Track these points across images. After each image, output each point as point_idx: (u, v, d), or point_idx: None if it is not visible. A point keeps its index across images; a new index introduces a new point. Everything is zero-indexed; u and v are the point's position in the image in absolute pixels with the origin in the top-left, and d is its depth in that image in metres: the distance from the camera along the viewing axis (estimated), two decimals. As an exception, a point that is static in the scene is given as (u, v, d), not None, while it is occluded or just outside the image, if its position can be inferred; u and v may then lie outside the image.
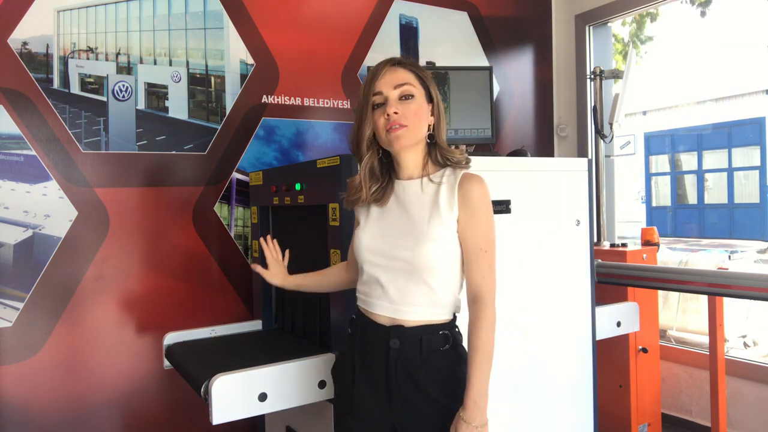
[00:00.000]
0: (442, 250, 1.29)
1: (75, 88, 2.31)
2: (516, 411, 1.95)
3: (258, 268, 1.68)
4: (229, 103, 2.60)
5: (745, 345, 4.19)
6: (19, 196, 2.20)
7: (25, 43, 2.21)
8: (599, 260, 2.65)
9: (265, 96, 2.68)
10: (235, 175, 2.62)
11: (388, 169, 1.39)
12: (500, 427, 1.87)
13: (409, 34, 3.11)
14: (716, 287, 2.22)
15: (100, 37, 2.37)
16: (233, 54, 2.62)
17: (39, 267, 2.22)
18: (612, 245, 2.91)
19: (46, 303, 2.23)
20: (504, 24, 3.44)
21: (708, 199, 9.71)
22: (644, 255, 2.80)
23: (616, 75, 3.06)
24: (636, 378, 2.76)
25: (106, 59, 2.38)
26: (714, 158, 9.53)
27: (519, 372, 1.95)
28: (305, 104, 2.78)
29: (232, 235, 2.61)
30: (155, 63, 2.46)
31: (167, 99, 2.49)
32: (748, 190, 9.18)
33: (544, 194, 2.02)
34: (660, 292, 3.08)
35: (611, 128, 2.95)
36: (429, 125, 1.35)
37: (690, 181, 10.01)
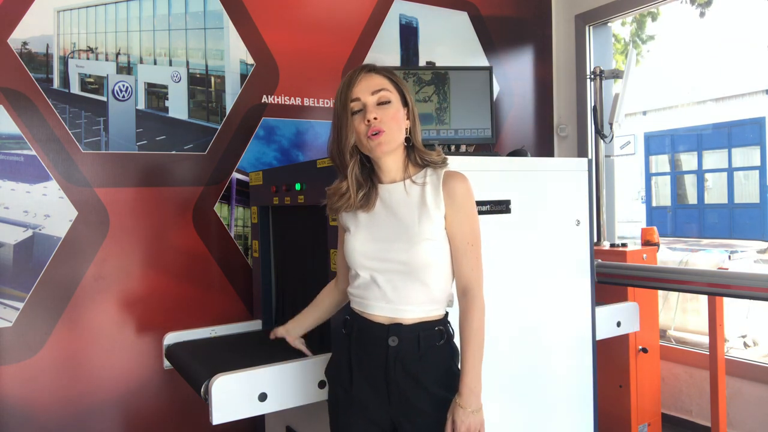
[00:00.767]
0: (435, 248, 1.34)
1: (75, 88, 2.31)
2: (516, 411, 1.95)
3: (275, 332, 1.81)
4: (229, 103, 2.60)
5: (745, 345, 4.19)
6: (19, 196, 2.20)
7: (25, 43, 2.21)
8: (599, 260, 2.65)
9: (265, 96, 2.68)
10: (235, 175, 2.62)
11: (369, 174, 1.41)
12: (500, 426, 1.87)
13: (409, 34, 3.11)
14: (716, 287, 2.22)
15: (100, 37, 2.37)
16: (233, 54, 2.62)
17: (39, 267, 2.22)
18: (612, 245, 2.91)
19: (46, 303, 2.23)
20: (504, 24, 3.44)
21: (708, 199, 9.71)
22: (644, 255, 2.80)
23: (616, 75, 3.06)
24: (636, 378, 2.76)
25: (106, 59, 2.38)
26: (714, 158, 9.54)
27: (519, 372, 1.95)
28: (305, 104, 2.78)
29: (232, 235, 2.61)
30: (155, 63, 2.46)
31: (167, 99, 2.49)
32: (748, 190, 9.18)
33: (544, 194, 2.02)
34: (660, 292, 3.08)
35: (611, 128, 2.95)
36: (406, 128, 1.38)
37: (690, 181, 10.01)
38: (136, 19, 2.43)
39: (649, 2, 3.20)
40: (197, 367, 1.81)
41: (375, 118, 1.31)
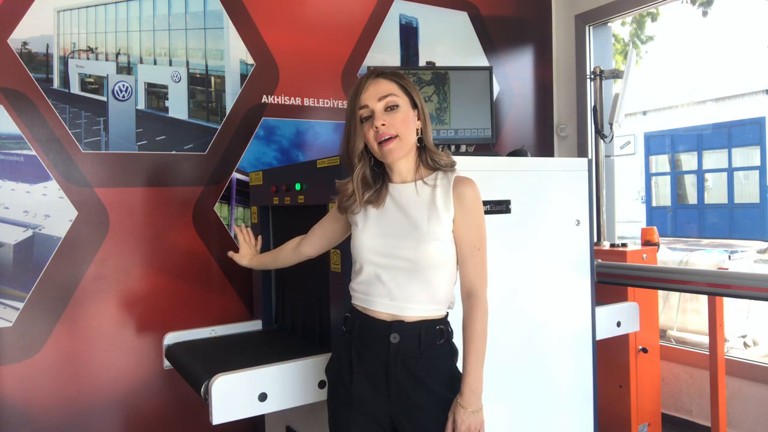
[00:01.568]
0: (442, 249, 1.36)
1: (75, 88, 2.31)
2: (516, 411, 1.95)
3: (230, 253, 1.88)
4: (229, 103, 2.60)
5: (745, 345, 4.19)
6: (19, 196, 2.20)
7: (25, 43, 2.21)
8: (599, 260, 2.65)
9: (265, 96, 2.68)
10: (235, 175, 2.62)
11: (380, 173, 1.44)
12: (501, 426, 1.87)
13: (409, 34, 3.11)
14: (716, 287, 2.22)
15: (100, 37, 2.37)
16: (233, 54, 2.62)
17: (39, 267, 2.22)
18: (612, 245, 2.91)
19: (46, 303, 2.23)
20: (504, 24, 3.44)
21: (708, 199, 9.71)
22: (644, 255, 2.80)
23: (616, 75, 3.06)
24: (636, 378, 2.76)
25: (106, 59, 2.38)
26: (714, 158, 9.53)
27: (519, 372, 1.95)
28: (305, 104, 2.78)
29: (232, 235, 2.61)
30: (155, 63, 2.46)
31: (167, 99, 2.49)
32: (748, 190, 9.18)
33: (544, 194, 2.02)
34: (660, 292, 3.08)
35: (611, 128, 2.95)
36: (417, 129, 1.41)
37: (690, 181, 10.01)
38: (136, 19, 2.43)
39: (649, 2, 3.20)
40: (197, 367, 1.81)
41: (383, 125, 1.34)
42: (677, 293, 3.91)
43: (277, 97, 2.71)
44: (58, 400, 2.25)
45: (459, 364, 1.42)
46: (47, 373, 2.23)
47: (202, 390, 1.62)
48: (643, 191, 10.66)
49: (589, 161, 2.16)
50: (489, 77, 2.43)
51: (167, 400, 2.46)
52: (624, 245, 2.87)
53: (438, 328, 1.38)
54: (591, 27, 3.51)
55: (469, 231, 1.38)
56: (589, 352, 2.13)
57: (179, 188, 2.49)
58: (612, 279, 2.58)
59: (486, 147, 2.73)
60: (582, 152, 3.54)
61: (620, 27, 5.81)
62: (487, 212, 1.87)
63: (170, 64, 2.49)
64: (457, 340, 1.43)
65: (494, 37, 3.40)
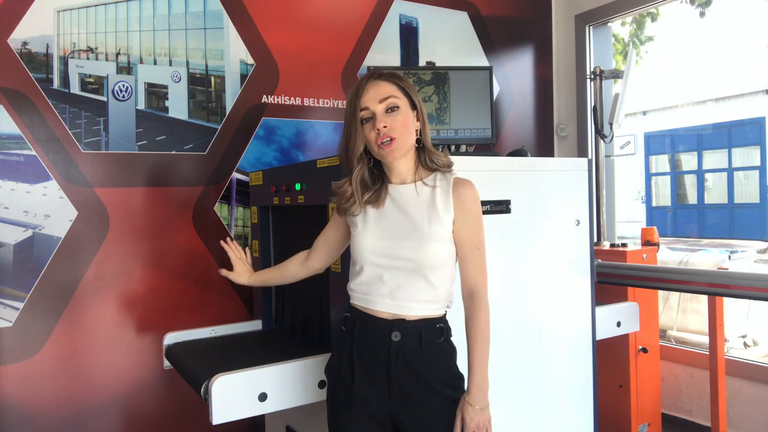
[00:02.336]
0: (443, 249, 1.38)
1: (75, 88, 2.31)
2: (516, 411, 1.95)
3: (223, 272, 1.78)
4: (229, 103, 2.60)
5: (745, 345, 4.19)
6: (19, 196, 2.20)
7: (25, 43, 2.21)
8: (599, 260, 2.65)
9: (265, 96, 2.68)
10: (235, 175, 2.62)
11: (379, 174, 1.45)
12: (501, 427, 1.87)
13: (409, 34, 3.11)
14: (716, 287, 2.22)
15: (100, 37, 2.37)
16: (233, 54, 2.62)
17: (39, 267, 2.22)
18: (612, 245, 2.91)
19: (46, 303, 2.23)
20: (504, 24, 3.44)
21: (708, 199, 9.71)
22: (644, 255, 2.80)
23: (616, 75, 3.06)
24: (636, 378, 2.76)
25: (106, 59, 2.38)
26: (714, 158, 9.54)
27: (519, 372, 1.95)
28: (305, 104, 2.78)
29: (232, 235, 2.61)
30: (155, 63, 2.46)
31: (167, 99, 2.49)
32: (748, 190, 9.18)
33: (544, 194, 2.02)
34: (660, 292, 3.08)
35: (611, 128, 2.95)
36: (416, 130, 1.42)
37: (690, 181, 10.02)
38: (136, 19, 2.43)
39: (649, 2, 3.20)
40: (197, 367, 1.80)
41: (384, 127, 1.35)
42: (677, 293, 3.91)
43: (277, 97, 2.71)
44: (58, 400, 2.25)
45: (458, 362, 1.43)
46: (47, 373, 2.23)
47: (202, 390, 1.62)
48: (643, 191, 10.66)
49: (589, 161, 2.16)
50: (489, 77, 2.43)
51: (167, 400, 2.46)
52: (624, 245, 2.87)
53: (438, 326, 1.39)
54: (591, 27, 3.51)
55: (469, 232, 1.40)
56: (589, 352, 2.13)
57: (179, 188, 2.49)
58: (612, 279, 2.58)
59: (486, 147, 2.73)
60: (582, 152, 3.54)
61: (620, 27, 5.81)
62: (487, 212, 1.87)
63: (170, 64, 2.49)
64: (457, 338, 1.44)
65: (494, 37, 3.40)
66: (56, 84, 2.28)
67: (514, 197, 1.93)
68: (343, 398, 1.42)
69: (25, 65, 2.21)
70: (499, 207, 1.90)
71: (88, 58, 2.34)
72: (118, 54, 2.40)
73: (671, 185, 10.13)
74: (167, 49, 2.49)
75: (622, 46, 5.89)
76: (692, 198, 9.94)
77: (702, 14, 5.50)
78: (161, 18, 2.47)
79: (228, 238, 1.83)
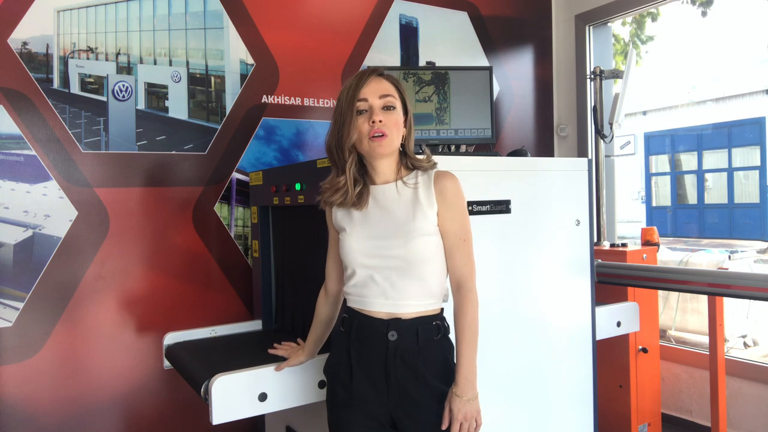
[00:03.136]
0: (430, 243, 1.39)
1: (75, 88, 2.31)
2: (516, 411, 1.95)
3: (282, 366, 1.65)
4: (229, 103, 2.60)
5: (745, 345, 4.19)
6: (19, 196, 2.20)
7: (25, 43, 2.21)
8: (599, 260, 2.65)
9: (265, 96, 2.68)
10: (235, 175, 2.62)
11: (361, 177, 1.45)
12: (501, 426, 1.87)
13: (409, 34, 3.11)
14: (716, 287, 2.22)
15: (100, 37, 2.37)
16: (233, 54, 2.62)
17: (39, 267, 2.22)
18: (612, 245, 2.91)
19: (46, 303, 2.23)
20: (504, 24, 3.44)
21: (708, 199, 9.72)
22: (644, 255, 2.80)
23: (616, 75, 3.05)
24: (636, 378, 2.76)
25: (106, 59, 2.38)
26: (714, 158, 9.54)
27: (519, 372, 1.95)
28: (305, 104, 2.78)
29: (232, 235, 2.61)
30: (155, 63, 2.46)
31: (167, 99, 2.49)
32: (748, 190, 9.19)
33: (544, 194, 2.02)
34: (660, 292, 3.08)
35: (611, 128, 2.95)
36: (402, 135, 1.42)
37: (690, 181, 10.02)
38: (136, 19, 2.43)
39: (649, 2, 3.20)
40: (197, 367, 1.81)
41: (380, 121, 1.36)
42: (677, 293, 3.91)
43: (277, 97, 2.71)
44: (58, 400, 2.25)
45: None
46: (47, 373, 2.23)
47: (202, 390, 1.62)
48: (643, 191, 10.67)
49: (589, 161, 2.16)
50: (489, 77, 2.43)
51: (167, 400, 2.46)
52: (624, 245, 2.87)
53: (435, 323, 1.40)
54: (591, 27, 3.51)
55: (453, 224, 1.40)
56: (589, 352, 2.13)
57: (179, 188, 2.49)
58: (612, 279, 2.58)
59: (486, 147, 2.73)
60: (582, 152, 3.54)
61: (620, 27, 5.81)
62: (487, 212, 1.87)
63: (170, 64, 2.49)
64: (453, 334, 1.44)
65: (494, 37, 3.40)
66: (56, 84, 2.28)
67: (514, 197, 1.93)
68: (343, 398, 1.42)
69: (25, 65, 2.21)
70: (499, 207, 1.90)
71: (88, 58, 2.34)
72: (118, 54, 2.40)
73: (671, 185, 10.13)
74: (167, 49, 2.49)
75: (622, 46, 5.89)
76: (692, 198, 9.94)
77: (704, 14, 5.50)
78: (161, 18, 2.47)
79: (275, 345, 1.75)
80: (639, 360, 2.77)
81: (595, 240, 2.77)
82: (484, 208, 1.85)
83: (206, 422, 1.66)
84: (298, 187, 1.99)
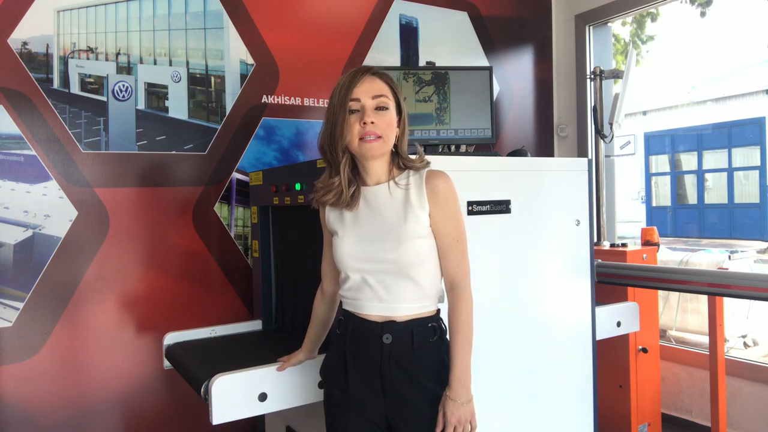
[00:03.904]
0: (423, 245, 1.36)
1: (75, 88, 2.31)
2: (516, 411, 1.95)
3: (284, 366, 1.64)
4: (229, 103, 2.60)
5: (745, 345, 4.20)
6: (19, 196, 2.20)
7: (25, 43, 2.21)
8: (599, 260, 2.65)
9: (265, 96, 2.68)
10: (235, 175, 2.62)
11: (354, 174, 1.43)
12: (501, 426, 1.87)
13: (409, 34, 3.11)
14: (716, 287, 2.22)
15: (100, 37, 2.37)
16: (233, 54, 2.62)
17: (39, 267, 2.22)
18: (612, 245, 2.91)
19: (46, 303, 2.23)
20: (504, 24, 3.44)
21: (708, 199, 9.72)
22: (644, 255, 2.80)
23: (616, 75, 3.05)
24: (636, 378, 2.76)
25: (106, 59, 2.38)
26: (714, 158, 9.55)
27: (519, 372, 1.95)
28: (305, 104, 2.78)
29: (232, 235, 2.61)
30: (155, 63, 2.46)
31: (167, 99, 2.49)
32: (748, 190, 9.19)
33: (544, 194, 2.02)
34: (660, 292, 3.08)
35: (611, 128, 2.94)
36: (395, 136, 1.39)
37: (690, 181, 10.03)
38: (136, 19, 2.43)
39: (649, 2, 3.20)
40: (197, 367, 1.81)
41: (372, 123, 1.33)
42: (677, 293, 3.91)
43: (277, 97, 2.71)
44: (58, 400, 2.25)
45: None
46: (47, 373, 2.23)
47: (202, 390, 1.62)
48: (643, 191, 10.67)
49: (589, 161, 2.16)
50: (489, 77, 2.43)
51: (167, 400, 2.46)
52: (624, 245, 2.87)
53: (430, 325, 1.38)
54: (591, 27, 3.51)
55: (446, 224, 1.37)
56: (589, 352, 2.13)
57: (179, 188, 2.49)
58: (612, 279, 2.58)
59: (486, 147, 2.73)
60: (582, 152, 3.54)
61: (620, 27, 5.81)
62: (486, 212, 1.87)
63: (170, 64, 2.49)
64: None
65: (494, 37, 3.40)
66: (56, 84, 2.28)
67: (514, 197, 1.93)
68: (339, 399, 1.42)
69: (25, 65, 2.21)
70: (499, 207, 1.90)
71: (88, 58, 2.34)
72: (118, 54, 2.40)
73: (671, 185, 10.14)
74: (167, 49, 2.49)
75: (622, 46, 5.89)
76: (692, 198, 9.94)
77: (703, 14, 5.50)
78: (161, 18, 2.47)
79: (281, 364, 1.66)
80: (639, 360, 2.77)
81: (595, 240, 2.77)
82: (484, 208, 1.85)
83: (206, 422, 1.66)
84: (298, 187, 1.99)
